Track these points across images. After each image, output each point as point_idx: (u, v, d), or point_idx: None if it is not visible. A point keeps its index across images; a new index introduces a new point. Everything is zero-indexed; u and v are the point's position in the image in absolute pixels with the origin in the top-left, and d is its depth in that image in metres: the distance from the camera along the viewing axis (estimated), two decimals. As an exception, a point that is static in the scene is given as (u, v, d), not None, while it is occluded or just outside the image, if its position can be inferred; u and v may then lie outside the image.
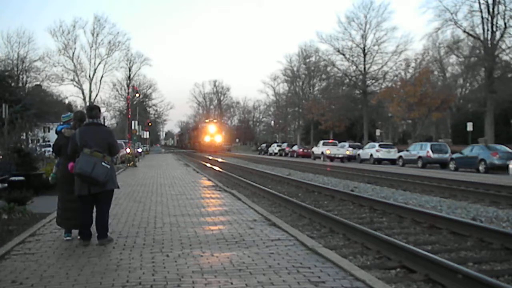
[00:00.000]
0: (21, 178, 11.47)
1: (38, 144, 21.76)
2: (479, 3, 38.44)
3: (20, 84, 52.90)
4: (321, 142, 44.87)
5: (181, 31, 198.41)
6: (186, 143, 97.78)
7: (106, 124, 36.09)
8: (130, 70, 72.92)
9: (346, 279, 4.57)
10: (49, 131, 40.96)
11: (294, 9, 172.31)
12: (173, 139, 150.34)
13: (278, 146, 62.45)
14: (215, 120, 76.48)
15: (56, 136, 6.92)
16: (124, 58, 70.73)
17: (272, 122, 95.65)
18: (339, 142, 44.81)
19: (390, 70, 54.84)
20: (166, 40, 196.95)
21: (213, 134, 68.38)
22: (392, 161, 33.98)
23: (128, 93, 55.67)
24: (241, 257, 5.46)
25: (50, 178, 7.26)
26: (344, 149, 40.96)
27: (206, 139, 67.69)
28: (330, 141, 46.32)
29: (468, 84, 56.99)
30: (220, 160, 40.07)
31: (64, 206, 6.52)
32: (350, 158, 39.11)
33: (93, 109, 6.57)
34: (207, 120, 76.00)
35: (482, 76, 44.67)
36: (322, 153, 41.90)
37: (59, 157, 6.81)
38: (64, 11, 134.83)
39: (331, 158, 40.65)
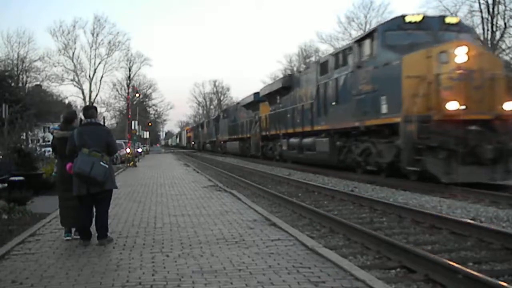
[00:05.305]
0: (21, 178, 11.46)
1: (38, 144, 21.77)
2: (479, 3, 38.41)
3: (20, 84, 52.74)
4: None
5: (181, 31, 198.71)
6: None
7: (105, 124, 36.10)
8: (130, 70, 72.49)
9: (346, 279, 4.57)
10: (49, 131, 40.93)
11: (294, 9, 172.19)
12: (178, 137, 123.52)
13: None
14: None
15: None
16: (124, 58, 70.30)
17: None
18: None
19: (390, 70, 54.72)
20: (166, 40, 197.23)
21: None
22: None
23: (128, 93, 55.67)
24: (241, 257, 5.46)
25: (52, 175, 7.38)
26: None
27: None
28: None
29: (468, 84, 56.92)
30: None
31: (64, 204, 6.57)
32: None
33: (89, 109, 6.64)
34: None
35: (482, 76, 44.59)
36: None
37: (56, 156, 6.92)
38: (64, 11, 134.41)
39: None
